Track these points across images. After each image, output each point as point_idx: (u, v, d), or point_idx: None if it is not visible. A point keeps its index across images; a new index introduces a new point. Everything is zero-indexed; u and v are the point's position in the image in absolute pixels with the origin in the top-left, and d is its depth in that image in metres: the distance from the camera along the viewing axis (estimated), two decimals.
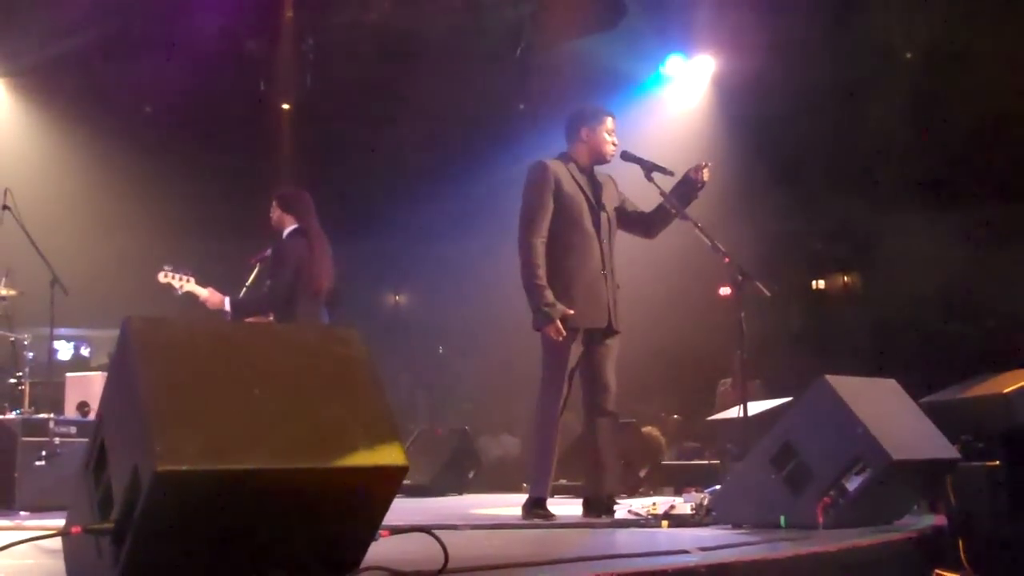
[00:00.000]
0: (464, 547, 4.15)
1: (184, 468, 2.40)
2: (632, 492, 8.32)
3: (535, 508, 5.54)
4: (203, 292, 6.90)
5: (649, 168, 5.80)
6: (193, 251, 7.55)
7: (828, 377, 4.41)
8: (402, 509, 6.66)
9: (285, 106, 12.64)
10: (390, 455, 2.67)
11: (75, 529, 2.64)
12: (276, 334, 2.88)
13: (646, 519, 4.80)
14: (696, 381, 10.83)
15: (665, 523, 4.68)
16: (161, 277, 6.89)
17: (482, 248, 11.53)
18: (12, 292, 8.17)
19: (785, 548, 3.36)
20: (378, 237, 12.37)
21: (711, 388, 10.43)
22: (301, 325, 2.78)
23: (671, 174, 5.76)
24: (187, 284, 6.89)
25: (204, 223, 11.66)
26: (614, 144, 5.90)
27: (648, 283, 10.97)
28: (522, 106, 12.10)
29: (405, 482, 8.18)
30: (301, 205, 7.24)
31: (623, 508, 4.91)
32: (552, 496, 7.98)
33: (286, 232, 7.19)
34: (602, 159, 5.92)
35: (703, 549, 3.36)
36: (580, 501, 5.85)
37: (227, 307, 6.89)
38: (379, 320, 13.83)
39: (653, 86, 11.76)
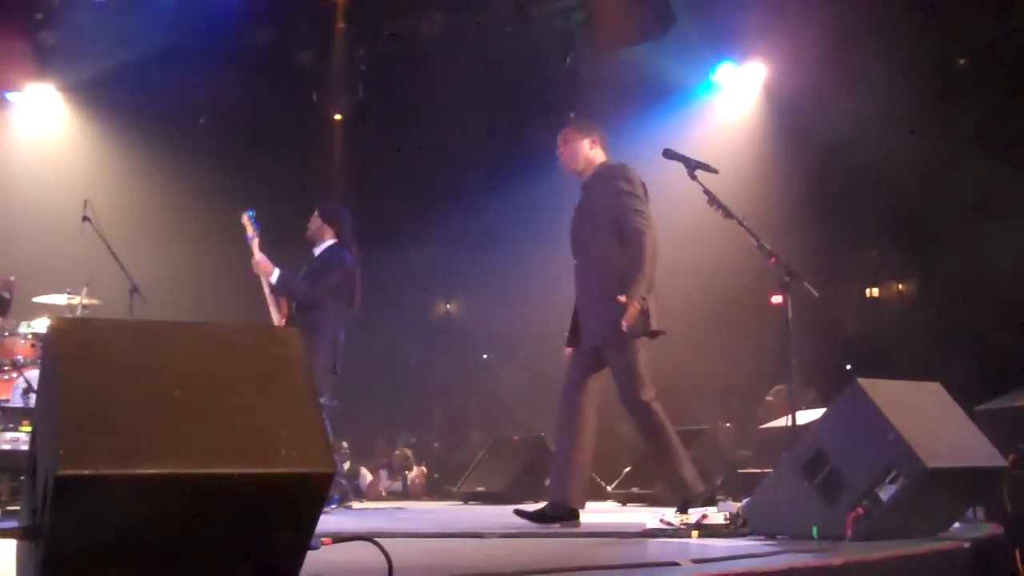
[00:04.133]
0: (451, 553, 4.17)
1: (87, 473, 2.32)
2: (707, 502, 8.16)
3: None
4: (257, 253, 7.06)
5: (693, 166, 5.74)
6: (245, 260, 7.63)
7: (861, 380, 4.24)
8: (446, 516, 6.70)
9: (337, 116, 12.75)
10: (316, 461, 2.55)
11: None
12: (207, 334, 2.75)
13: (676, 529, 4.67)
14: (747, 389, 10.70)
15: (695, 533, 4.55)
16: (244, 218, 7.11)
17: (533, 256, 11.52)
18: (94, 301, 8.33)
19: (789, 559, 3.24)
20: (430, 246, 12.42)
21: (763, 396, 10.32)
22: (238, 324, 2.74)
23: (715, 171, 5.69)
24: (255, 239, 7.06)
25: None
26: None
27: (698, 290, 10.92)
28: (572, 115, 12.07)
29: (480, 489, 8.36)
30: (342, 220, 7.46)
31: (656, 518, 4.80)
32: (625, 504, 8.02)
33: (327, 244, 7.32)
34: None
35: (696, 561, 3.26)
36: (653, 509, 5.76)
37: (273, 278, 6.97)
38: (431, 329, 13.86)
39: (703, 93, 11.68)
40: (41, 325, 8.22)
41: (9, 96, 12.02)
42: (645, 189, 5.87)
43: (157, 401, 2.51)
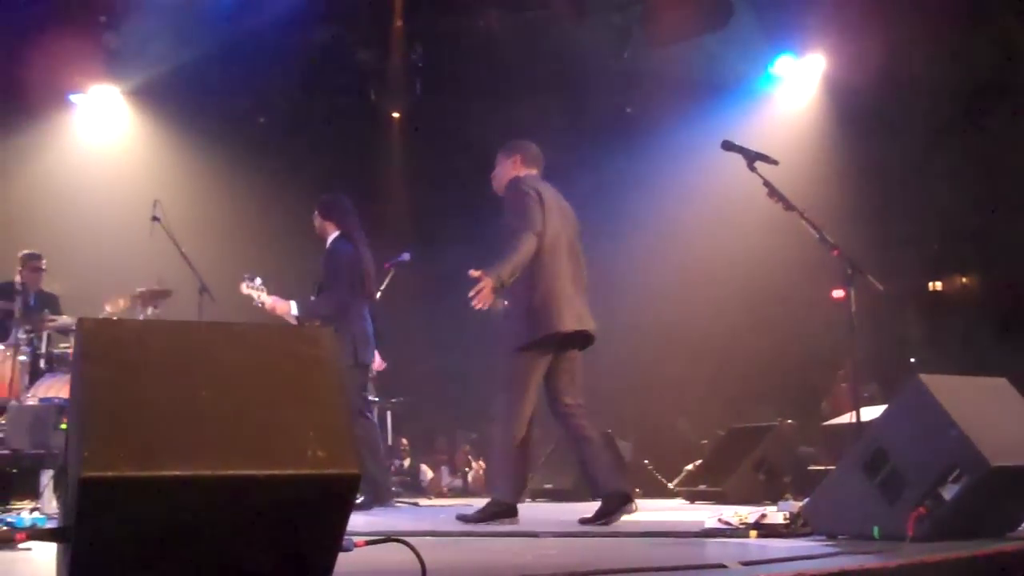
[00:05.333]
0: (498, 553, 4.11)
1: (110, 475, 2.31)
2: (776, 499, 8.02)
3: None
4: (268, 305, 7.08)
5: (752, 157, 5.62)
6: (312, 257, 7.69)
7: (922, 376, 4.10)
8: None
9: (395, 114, 12.77)
10: (343, 463, 2.51)
11: (19, 536, 2.61)
12: (238, 333, 2.71)
13: (734, 529, 4.55)
14: (809, 385, 10.57)
15: (754, 533, 4.42)
16: (243, 288, 7.13)
17: (587, 250, 11.44)
18: (167, 288, 8.45)
19: (842, 562, 3.11)
20: (487, 242, 12.38)
21: (824, 393, 10.19)
22: (268, 325, 2.67)
23: (775, 163, 5.57)
24: (263, 295, 7.08)
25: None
26: None
27: (758, 285, 10.80)
28: (629, 109, 12.01)
29: (547, 486, 8.30)
30: (340, 209, 7.43)
31: (713, 516, 4.70)
32: (694, 502, 7.93)
33: (331, 239, 7.32)
34: None
35: (745, 564, 3.15)
36: (718, 506, 5.69)
37: (294, 312, 7.01)
38: (487, 324, 13.82)
39: (762, 86, 11.56)
40: None
41: (72, 98, 12.18)
42: (540, 197, 5.91)
43: (184, 402, 2.49)
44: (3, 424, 7.72)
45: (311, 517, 2.53)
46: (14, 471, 6.89)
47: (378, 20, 12.00)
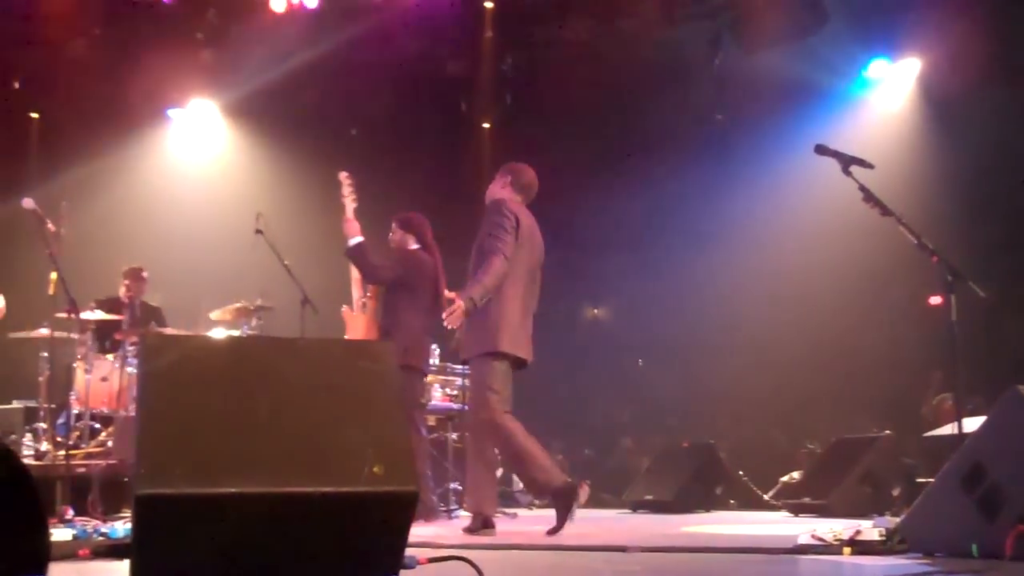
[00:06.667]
0: (579, 570, 4.04)
1: (166, 492, 2.31)
2: (883, 512, 7.86)
3: None
4: (350, 213, 7.29)
5: (847, 161, 5.53)
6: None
7: (1021, 388, 3.96)
8: (606, 525, 6.65)
9: (485, 124, 12.85)
10: (399, 480, 2.49)
11: (82, 552, 2.64)
12: (299, 349, 2.73)
13: (828, 545, 4.45)
14: (904, 395, 10.37)
15: (848, 550, 4.30)
16: (343, 176, 7.39)
17: (678, 259, 11.42)
18: (269, 304, 8.65)
19: None
20: (576, 250, 12.39)
21: (922, 403, 9.99)
22: (331, 339, 2.65)
23: (871, 166, 5.46)
24: (350, 198, 7.29)
25: None
26: None
27: (852, 292, 10.65)
28: (719, 116, 11.93)
29: (648, 498, 8.26)
30: (420, 226, 7.75)
31: (807, 532, 4.59)
32: (797, 515, 7.83)
33: (409, 250, 7.64)
34: None
35: None
36: (822, 519, 5.62)
37: (352, 241, 7.24)
38: (578, 334, 13.82)
39: (856, 90, 11.40)
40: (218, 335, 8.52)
41: (170, 113, 12.50)
42: (517, 222, 6.18)
43: (242, 419, 2.49)
44: (112, 434, 7.98)
45: (370, 534, 2.51)
46: (125, 479, 7.09)
47: (468, 32, 12.09)
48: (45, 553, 2.39)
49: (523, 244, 6.20)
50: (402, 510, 2.54)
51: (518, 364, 6.28)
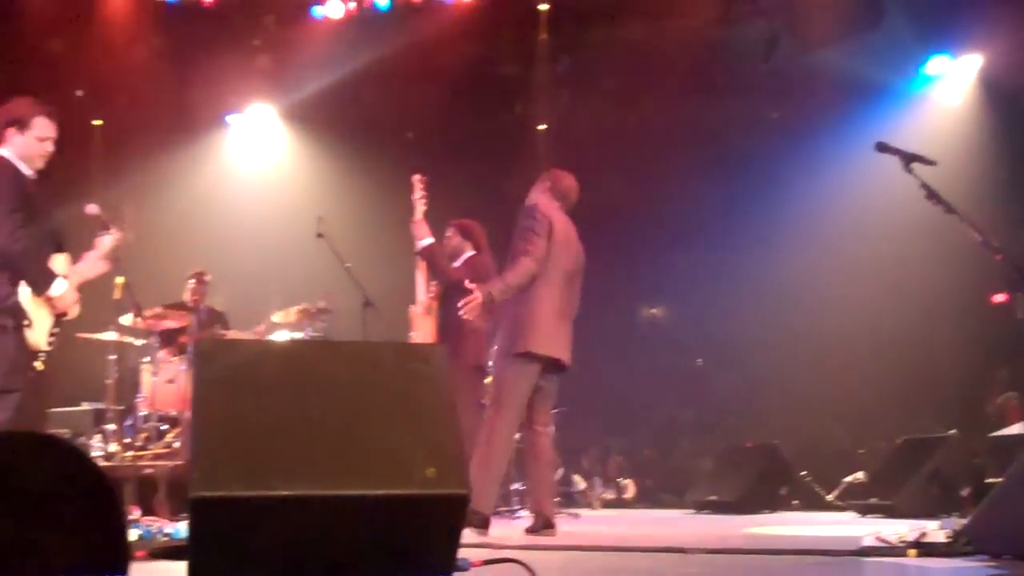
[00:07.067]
0: (636, 572, 4.03)
1: (220, 494, 2.34)
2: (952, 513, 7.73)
3: None
4: (419, 215, 7.33)
5: (908, 159, 5.48)
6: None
7: None
8: (667, 527, 6.64)
9: (541, 126, 12.87)
10: (452, 483, 2.49)
11: (139, 553, 2.67)
12: (350, 353, 2.75)
13: (892, 547, 4.35)
14: (967, 394, 10.23)
15: (912, 552, 4.19)
16: (415, 179, 7.41)
17: (737, 258, 11.36)
18: (331, 308, 8.75)
19: None
20: (633, 250, 12.38)
21: (986, 401, 9.86)
22: (381, 343, 2.66)
23: (933, 163, 5.41)
24: (421, 201, 7.35)
25: None
26: None
27: (913, 290, 10.53)
28: (775, 114, 11.86)
29: (711, 498, 8.30)
30: (478, 233, 7.82)
31: (871, 534, 4.52)
32: (864, 515, 7.76)
33: (466, 255, 7.69)
34: None
35: None
36: (888, 520, 5.58)
37: (423, 243, 7.29)
38: (636, 334, 13.78)
39: (916, 87, 11.27)
40: (281, 339, 8.63)
41: (229, 118, 12.67)
42: (550, 226, 6.27)
43: (294, 422, 2.52)
44: (179, 436, 8.12)
45: (421, 537, 2.52)
46: None
47: (523, 33, 12.12)
48: (126, 554, 2.46)
49: (558, 248, 6.28)
50: (453, 513, 2.55)
51: (556, 367, 6.31)
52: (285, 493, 2.41)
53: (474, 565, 2.75)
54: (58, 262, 5.44)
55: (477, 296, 5.95)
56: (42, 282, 5.21)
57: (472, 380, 7.37)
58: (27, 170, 5.40)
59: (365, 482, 2.48)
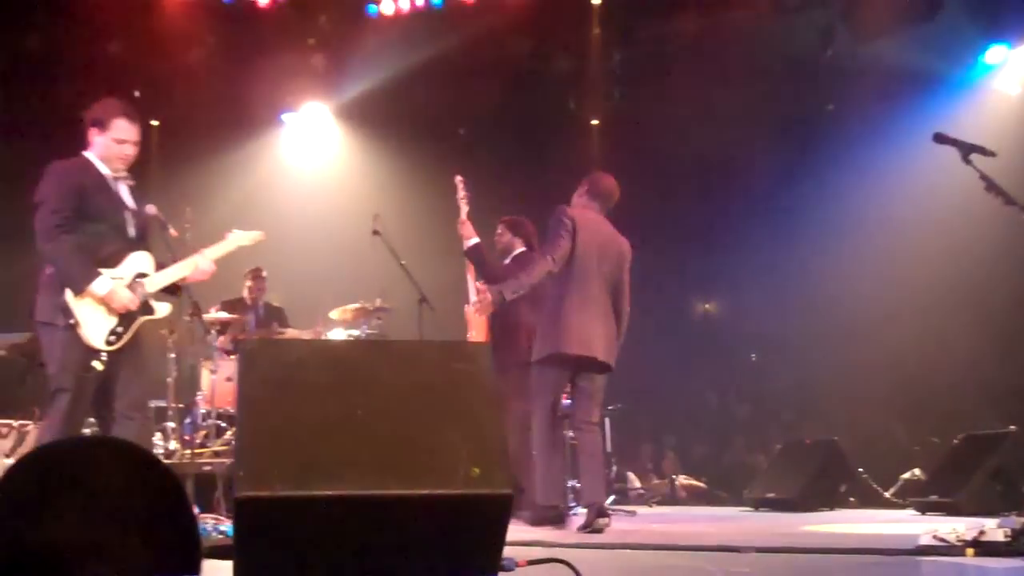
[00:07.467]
0: (688, 571, 4.01)
1: (264, 494, 2.35)
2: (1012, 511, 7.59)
3: None
4: (464, 215, 7.40)
5: (967, 150, 5.39)
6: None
7: None
8: (724, 525, 6.61)
9: (594, 122, 12.84)
10: (495, 482, 2.48)
11: None
12: (395, 352, 2.75)
13: (950, 546, 4.29)
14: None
15: (971, 551, 4.10)
16: (457, 180, 7.50)
17: (792, 251, 11.26)
18: (387, 305, 8.82)
19: None
20: (685, 246, 12.32)
21: None
22: (426, 341, 2.65)
23: (992, 154, 5.31)
24: (464, 200, 7.41)
25: None
26: None
27: (972, 284, 10.38)
28: (830, 107, 11.75)
29: (770, 495, 8.27)
30: (528, 229, 7.90)
31: (928, 532, 4.43)
32: (924, 513, 7.68)
33: (516, 252, 7.77)
34: None
35: None
36: (949, 518, 5.53)
37: (469, 243, 7.34)
38: (689, 330, 13.72)
39: (974, 77, 11.09)
40: (338, 336, 8.69)
41: (284, 117, 12.78)
42: (575, 228, 6.33)
43: (339, 422, 2.53)
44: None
45: (466, 536, 2.52)
46: None
47: (576, 28, 12.09)
48: (198, 554, 2.50)
49: (584, 248, 6.31)
50: (498, 512, 2.55)
51: (593, 366, 6.31)
52: (329, 493, 2.42)
53: (520, 565, 2.74)
54: (141, 260, 5.46)
55: (485, 294, 6.06)
56: (80, 280, 5.11)
57: (526, 377, 7.37)
58: (106, 170, 5.43)
59: (409, 482, 2.48)
